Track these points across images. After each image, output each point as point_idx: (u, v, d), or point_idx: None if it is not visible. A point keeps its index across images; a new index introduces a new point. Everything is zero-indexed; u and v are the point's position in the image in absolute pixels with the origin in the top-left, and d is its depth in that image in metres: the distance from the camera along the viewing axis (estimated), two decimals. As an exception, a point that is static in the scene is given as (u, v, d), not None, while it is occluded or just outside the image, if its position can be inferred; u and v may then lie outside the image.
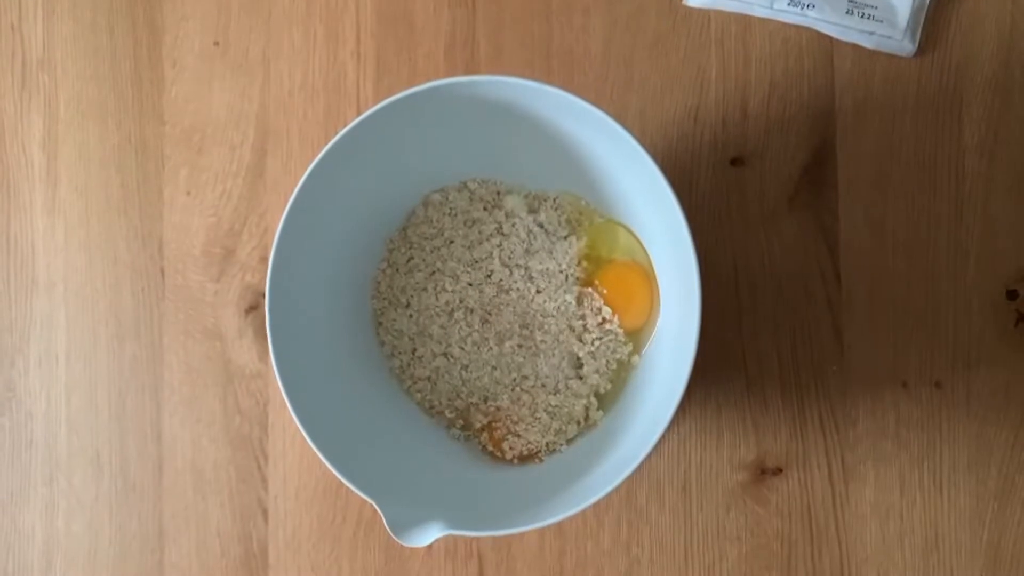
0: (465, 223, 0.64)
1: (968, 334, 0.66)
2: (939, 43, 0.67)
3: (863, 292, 0.66)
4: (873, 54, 0.67)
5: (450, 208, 0.64)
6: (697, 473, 0.67)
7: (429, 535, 0.53)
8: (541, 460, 0.61)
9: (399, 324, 0.63)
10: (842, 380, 0.66)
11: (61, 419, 0.73)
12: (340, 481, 0.54)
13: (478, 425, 0.62)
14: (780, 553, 0.66)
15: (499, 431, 0.62)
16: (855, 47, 0.67)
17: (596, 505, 0.51)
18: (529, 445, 0.61)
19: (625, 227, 0.63)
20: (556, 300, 0.62)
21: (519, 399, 0.62)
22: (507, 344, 0.62)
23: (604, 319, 0.62)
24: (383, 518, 0.53)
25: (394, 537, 0.53)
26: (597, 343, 0.62)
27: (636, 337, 0.62)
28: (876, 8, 0.66)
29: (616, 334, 0.62)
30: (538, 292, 0.62)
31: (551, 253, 0.63)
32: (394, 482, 0.57)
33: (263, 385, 0.71)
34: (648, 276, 0.62)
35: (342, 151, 0.55)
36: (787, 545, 0.66)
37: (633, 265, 0.62)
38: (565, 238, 0.63)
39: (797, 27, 0.68)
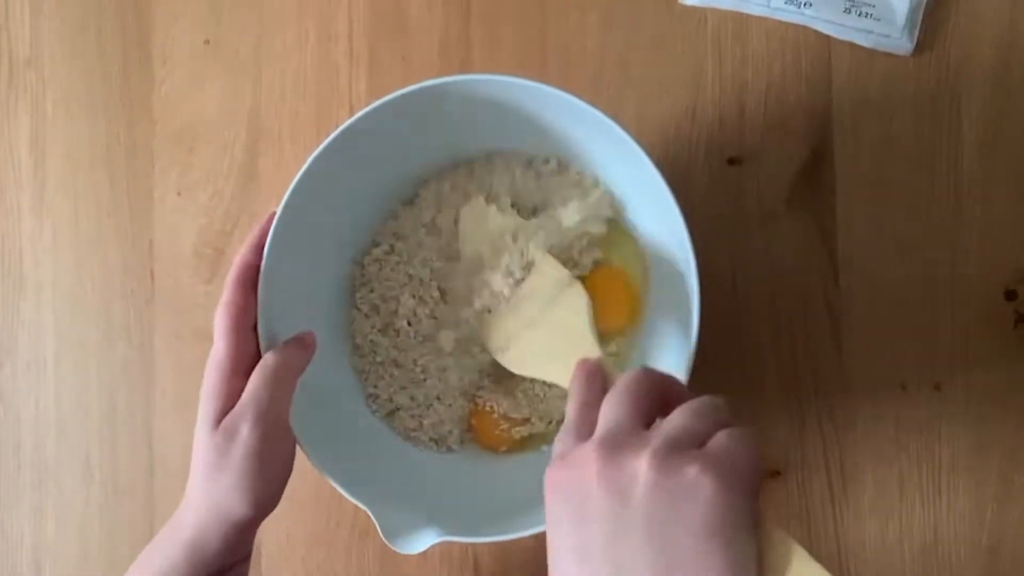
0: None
1: (967, 335, 0.65)
2: (937, 41, 0.66)
3: (861, 293, 0.66)
4: (871, 53, 0.67)
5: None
6: (695, 476, 0.66)
7: (424, 541, 0.52)
8: (538, 450, 0.61)
9: (376, 346, 0.63)
10: (840, 382, 0.66)
11: (50, 423, 0.72)
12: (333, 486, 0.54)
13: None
14: (779, 556, 0.66)
15: (485, 420, 0.61)
16: (853, 46, 0.67)
17: (594, 509, 0.50)
18: (518, 430, 0.60)
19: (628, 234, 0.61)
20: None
21: (500, 383, 0.61)
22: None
23: None
24: (377, 525, 0.52)
25: (389, 544, 0.52)
26: None
27: (631, 338, 0.61)
28: (874, 6, 0.66)
29: None
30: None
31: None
32: (388, 488, 0.57)
33: (255, 388, 0.70)
34: (627, 280, 0.60)
35: (334, 152, 0.54)
36: (786, 548, 0.65)
37: (612, 271, 0.61)
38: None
39: (794, 26, 0.67)
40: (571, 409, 0.43)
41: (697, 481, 0.34)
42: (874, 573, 0.65)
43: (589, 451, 0.37)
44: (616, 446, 0.37)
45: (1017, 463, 0.64)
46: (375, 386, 0.62)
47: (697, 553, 0.34)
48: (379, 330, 0.62)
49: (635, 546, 0.35)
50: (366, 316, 0.62)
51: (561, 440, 0.41)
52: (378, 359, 0.62)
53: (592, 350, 0.51)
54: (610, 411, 0.39)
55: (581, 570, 0.36)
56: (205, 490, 0.51)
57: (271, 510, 0.53)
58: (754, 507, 0.35)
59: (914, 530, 0.65)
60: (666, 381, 0.42)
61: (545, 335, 0.56)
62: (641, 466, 0.35)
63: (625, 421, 0.38)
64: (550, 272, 0.57)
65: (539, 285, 0.57)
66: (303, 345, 0.54)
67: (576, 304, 0.55)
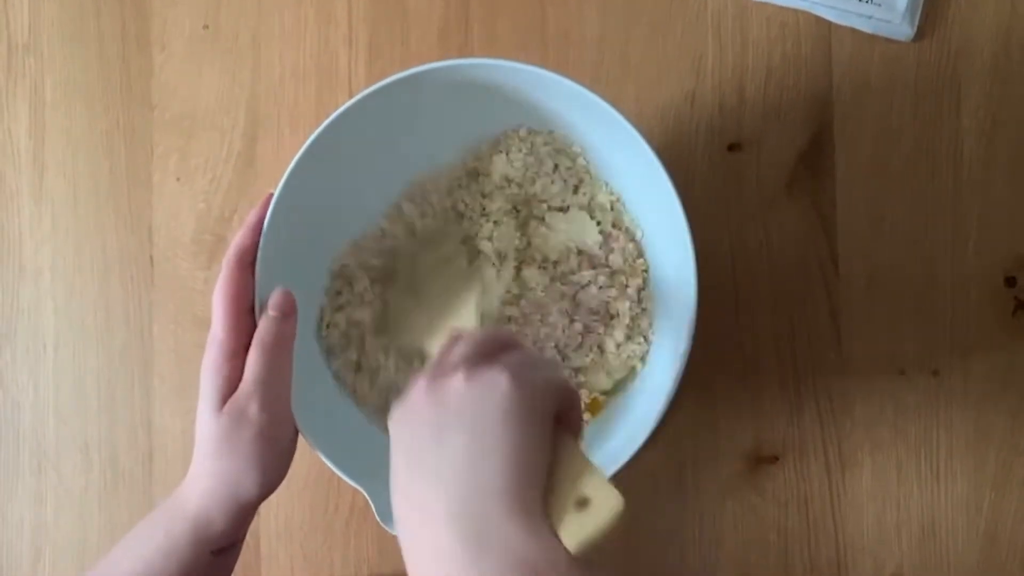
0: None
1: (966, 321, 0.65)
2: (938, 27, 0.66)
3: (861, 279, 0.66)
4: (871, 38, 0.66)
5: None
6: (693, 462, 0.66)
7: None
8: None
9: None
10: (839, 368, 0.66)
11: (49, 409, 0.72)
12: (332, 470, 0.54)
13: None
14: (777, 543, 0.66)
15: None
16: (853, 31, 0.66)
17: (591, 494, 0.51)
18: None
19: None
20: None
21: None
22: None
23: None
24: (372, 506, 0.52)
25: (383, 525, 0.52)
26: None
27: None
28: (875, -8, 0.65)
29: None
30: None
31: None
32: (384, 469, 0.57)
33: (254, 374, 0.70)
34: None
35: (332, 136, 0.54)
36: (784, 534, 0.66)
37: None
38: None
39: (794, 11, 0.67)
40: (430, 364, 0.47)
41: (496, 378, 0.41)
42: (872, 560, 0.65)
43: (420, 382, 0.43)
44: (440, 372, 0.43)
45: (1015, 449, 0.64)
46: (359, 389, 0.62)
47: (499, 431, 0.40)
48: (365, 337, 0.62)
49: (454, 437, 0.41)
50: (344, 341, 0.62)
51: (407, 390, 0.45)
52: (371, 367, 0.62)
53: (470, 324, 0.57)
54: (446, 354, 0.45)
55: (410, 472, 0.42)
56: (214, 470, 0.51)
57: (275, 489, 0.54)
58: (545, 407, 0.42)
59: (912, 516, 0.65)
60: (503, 335, 0.47)
61: (447, 318, 0.59)
62: (457, 379, 0.42)
63: (456, 358, 0.44)
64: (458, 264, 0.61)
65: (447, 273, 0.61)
66: (288, 312, 0.54)
67: (467, 292, 0.59)
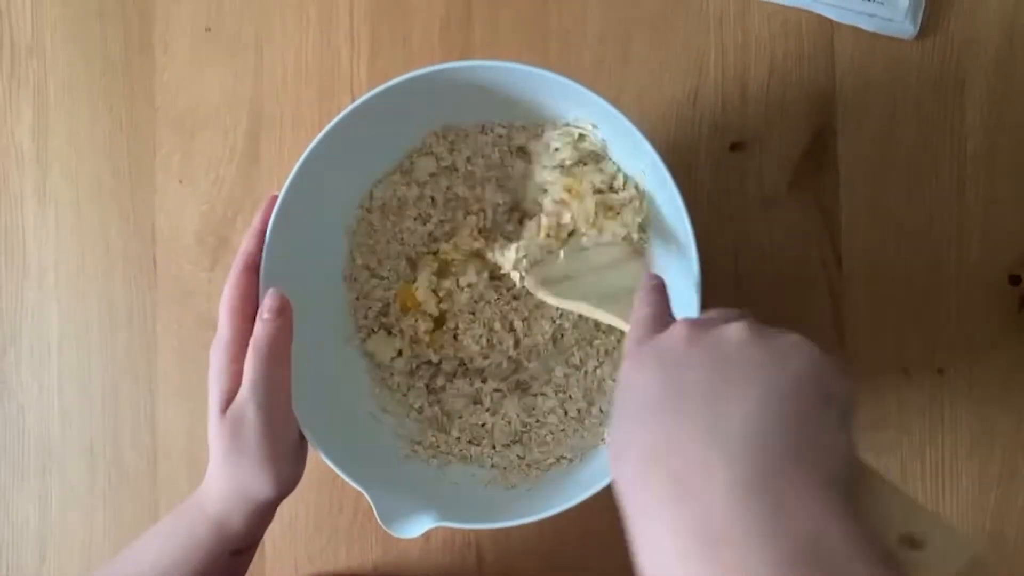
0: None
1: (971, 320, 0.65)
2: (940, 25, 0.66)
3: (864, 277, 0.66)
4: (874, 36, 0.66)
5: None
6: (697, 461, 0.66)
7: (420, 526, 0.52)
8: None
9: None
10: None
11: (54, 409, 0.72)
12: (336, 472, 0.54)
13: None
14: (780, 541, 0.65)
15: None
16: (855, 29, 0.66)
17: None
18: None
19: None
20: None
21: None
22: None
23: None
24: (374, 508, 0.52)
25: (384, 527, 0.52)
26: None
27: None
28: (877, -11, 0.65)
29: None
30: None
31: None
32: (387, 472, 0.57)
33: (258, 374, 0.70)
34: None
35: (335, 139, 0.54)
36: (788, 533, 0.65)
37: None
38: None
39: (796, 9, 0.67)
40: (643, 312, 0.44)
41: (797, 343, 0.36)
42: (876, 558, 0.65)
43: (678, 325, 0.39)
44: (703, 323, 0.38)
45: (1021, 447, 0.64)
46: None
47: (808, 400, 0.34)
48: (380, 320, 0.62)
49: (735, 386, 0.35)
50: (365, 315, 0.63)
51: (635, 337, 0.42)
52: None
53: None
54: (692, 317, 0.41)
55: (679, 407, 0.35)
56: (226, 475, 0.52)
57: (295, 485, 0.54)
58: (847, 402, 0.36)
59: (916, 515, 0.65)
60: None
61: (602, 286, 0.57)
62: (734, 329, 0.37)
63: (728, 314, 0.40)
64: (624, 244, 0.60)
65: (612, 249, 0.59)
66: (283, 312, 0.53)
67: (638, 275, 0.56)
